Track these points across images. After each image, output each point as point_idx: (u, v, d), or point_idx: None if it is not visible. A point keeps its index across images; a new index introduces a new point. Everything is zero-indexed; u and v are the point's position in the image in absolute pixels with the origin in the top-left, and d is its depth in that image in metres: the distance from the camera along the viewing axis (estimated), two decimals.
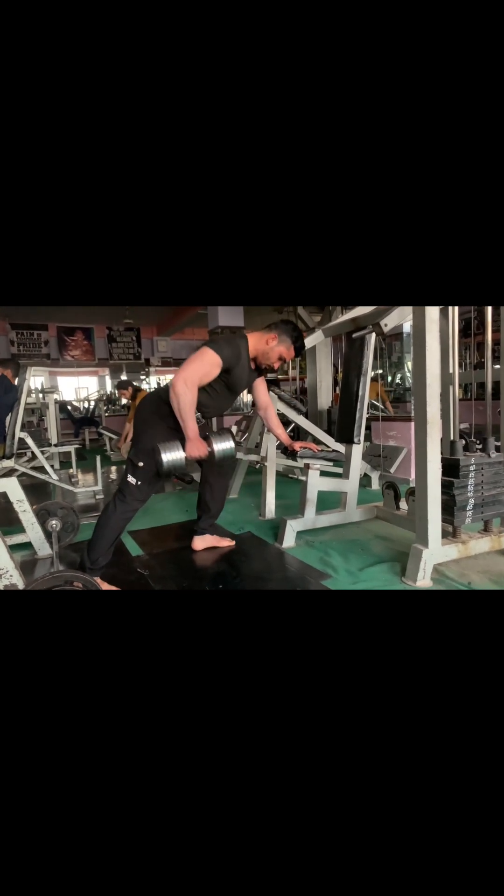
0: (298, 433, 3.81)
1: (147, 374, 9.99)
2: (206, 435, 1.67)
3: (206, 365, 1.64)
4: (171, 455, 1.55)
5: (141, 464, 1.69)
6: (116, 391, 6.28)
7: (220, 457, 1.65)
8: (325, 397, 4.57)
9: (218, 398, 1.79)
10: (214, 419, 1.93)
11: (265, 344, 1.76)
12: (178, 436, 1.66)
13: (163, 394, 1.74)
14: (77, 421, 7.70)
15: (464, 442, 1.83)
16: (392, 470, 3.29)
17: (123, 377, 9.84)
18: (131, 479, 1.70)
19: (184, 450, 1.58)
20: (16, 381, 3.44)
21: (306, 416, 3.24)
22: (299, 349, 1.83)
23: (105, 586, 1.70)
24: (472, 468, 1.74)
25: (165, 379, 9.26)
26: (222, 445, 1.64)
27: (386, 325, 1.85)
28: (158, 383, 9.49)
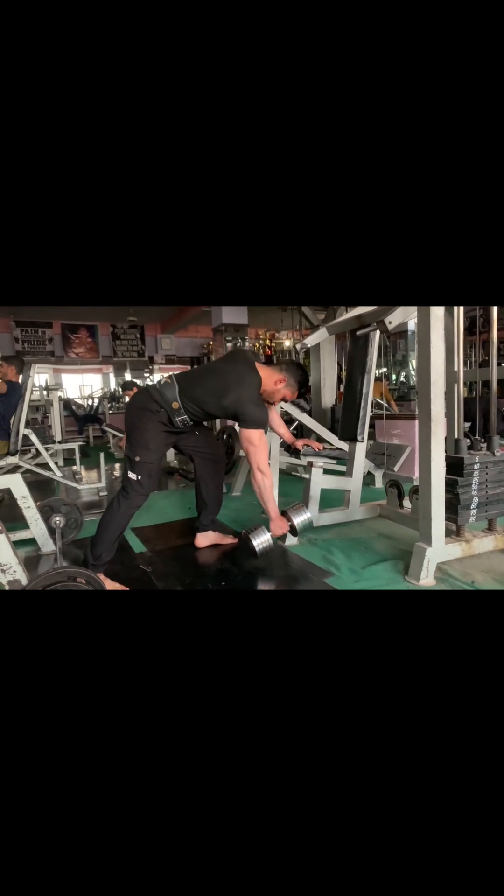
0: (302, 431, 3.80)
1: (151, 372, 10.00)
2: (284, 511, 1.89)
3: (264, 443, 1.77)
4: (261, 540, 1.80)
5: (138, 458, 1.71)
6: (122, 391, 6.29)
7: (301, 529, 1.89)
8: (328, 395, 4.56)
9: (207, 413, 1.83)
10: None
11: (273, 385, 1.86)
12: (168, 433, 1.79)
13: (152, 391, 1.78)
14: (81, 418, 7.72)
15: (468, 440, 1.82)
16: (396, 468, 3.28)
17: (127, 375, 9.87)
18: (131, 475, 1.72)
19: (268, 530, 1.81)
20: (19, 379, 3.45)
21: (310, 413, 3.24)
22: (302, 394, 2.01)
23: (108, 583, 1.70)
24: (476, 466, 1.73)
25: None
26: (301, 518, 1.88)
27: (390, 322, 1.84)
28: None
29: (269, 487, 1.78)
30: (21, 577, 1.28)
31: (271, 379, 1.84)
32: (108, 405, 8.12)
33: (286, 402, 2.16)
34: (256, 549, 1.79)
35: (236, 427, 1.82)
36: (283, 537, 2.21)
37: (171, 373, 1.93)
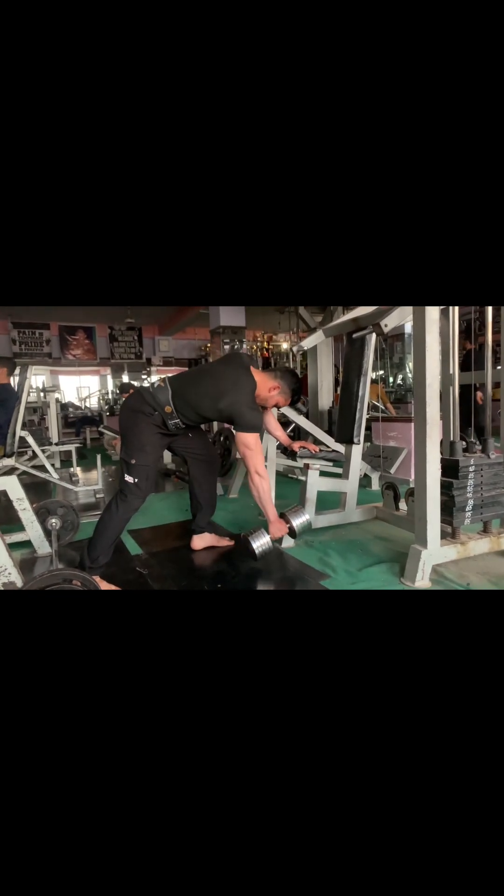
0: (299, 433, 3.81)
1: (149, 374, 10.00)
2: (282, 513, 1.89)
3: (260, 446, 1.77)
4: (260, 542, 1.81)
5: (133, 461, 1.71)
6: (120, 393, 6.29)
7: (300, 531, 1.90)
8: (325, 397, 4.57)
9: (201, 417, 1.84)
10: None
11: (267, 391, 1.87)
12: (162, 435, 1.80)
13: (146, 393, 1.78)
14: (78, 420, 7.71)
15: (464, 443, 1.83)
16: (392, 470, 3.29)
17: (125, 376, 9.86)
18: (128, 478, 1.72)
19: (267, 533, 1.82)
20: (11, 381, 3.44)
21: (307, 416, 3.24)
22: (295, 402, 2.02)
23: (104, 585, 1.70)
24: (471, 469, 1.74)
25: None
26: (300, 520, 1.89)
27: (386, 325, 1.84)
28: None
29: (266, 490, 1.78)
30: (16, 579, 1.28)
31: (266, 385, 1.85)
32: (106, 407, 8.12)
33: (278, 408, 2.17)
34: (256, 551, 1.80)
35: (233, 430, 1.82)
36: (280, 539, 2.21)
37: (164, 375, 1.93)
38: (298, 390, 1.94)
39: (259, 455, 1.75)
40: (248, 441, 1.72)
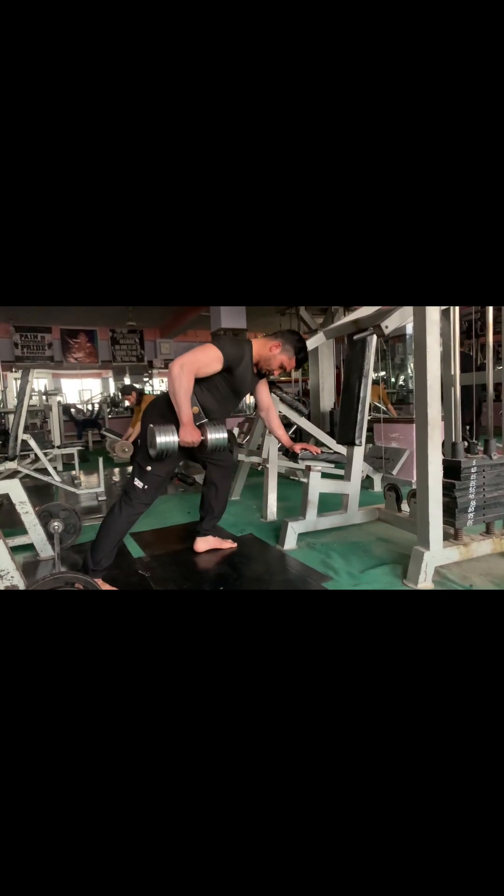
0: (300, 435, 3.81)
1: (150, 377, 10.02)
2: (201, 424, 1.67)
3: (207, 356, 1.62)
4: (165, 438, 1.56)
5: (149, 468, 1.69)
6: (121, 395, 6.30)
7: (213, 446, 1.65)
8: (327, 399, 4.57)
9: (223, 401, 1.79)
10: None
11: (268, 350, 1.78)
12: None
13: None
14: (80, 423, 7.73)
15: (465, 444, 1.83)
16: (394, 472, 3.28)
17: (127, 379, 9.88)
18: (138, 483, 1.70)
19: (178, 435, 1.58)
20: None
21: (308, 417, 3.24)
22: (301, 360, 1.84)
23: (106, 588, 1.70)
24: (473, 470, 1.74)
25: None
26: (216, 435, 1.64)
27: (387, 326, 1.85)
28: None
29: (185, 388, 1.58)
30: (19, 582, 1.28)
31: (265, 346, 1.78)
32: (108, 410, 8.13)
33: (281, 397, 2.13)
34: (157, 444, 1.57)
35: (234, 430, 1.79)
36: (280, 540, 2.21)
37: None
38: (303, 348, 1.82)
39: (201, 358, 1.62)
40: (204, 345, 1.65)
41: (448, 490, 1.71)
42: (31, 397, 3.56)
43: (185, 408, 1.59)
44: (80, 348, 9.65)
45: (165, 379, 9.44)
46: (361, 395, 2.35)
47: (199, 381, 1.70)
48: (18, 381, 3.55)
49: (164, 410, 1.70)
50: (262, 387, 2.02)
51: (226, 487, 2.14)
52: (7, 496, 1.97)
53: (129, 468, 1.70)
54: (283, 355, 1.79)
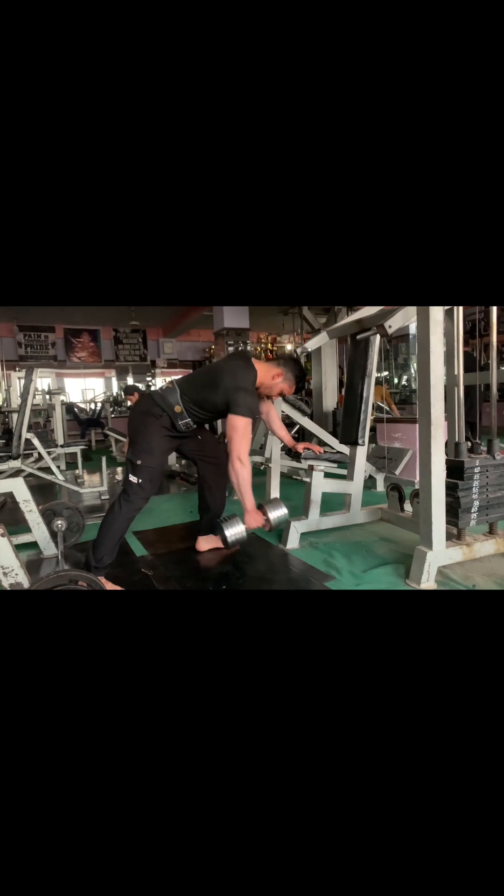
0: (303, 434, 3.81)
1: (153, 376, 10.03)
2: (260, 504, 1.82)
3: (248, 432, 1.73)
4: (234, 531, 1.77)
5: (139, 461, 1.73)
6: (124, 394, 6.30)
7: (276, 525, 1.83)
8: (330, 399, 4.57)
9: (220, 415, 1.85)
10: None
11: (271, 379, 1.88)
12: (170, 438, 1.81)
13: (155, 396, 1.81)
14: (83, 422, 7.75)
15: (469, 444, 1.82)
16: (397, 472, 3.28)
17: (129, 379, 9.89)
18: (133, 478, 1.73)
19: (243, 522, 1.77)
20: None
21: (311, 417, 3.24)
22: (299, 389, 2.00)
23: (109, 586, 1.71)
24: (476, 470, 1.73)
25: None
26: (277, 514, 1.82)
27: (390, 326, 1.84)
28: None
29: (246, 478, 1.72)
30: (23, 580, 1.29)
31: (269, 373, 1.87)
32: (111, 409, 8.14)
33: (284, 397, 2.16)
34: (228, 539, 1.76)
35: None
36: (283, 539, 2.21)
37: (172, 378, 1.95)
38: (302, 377, 1.95)
39: (245, 440, 1.71)
40: (237, 423, 1.69)
41: (451, 490, 1.71)
42: (34, 396, 3.57)
43: (249, 496, 1.74)
44: (83, 348, 9.67)
45: (167, 378, 9.49)
46: (364, 394, 2.34)
47: (190, 394, 1.78)
48: (22, 381, 3.56)
49: (149, 408, 1.79)
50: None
51: (221, 485, 2.14)
52: (11, 494, 1.97)
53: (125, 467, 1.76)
54: (284, 384, 1.90)
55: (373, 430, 3.64)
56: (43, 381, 8.34)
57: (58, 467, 3.60)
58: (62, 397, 5.56)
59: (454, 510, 1.72)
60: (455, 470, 1.73)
